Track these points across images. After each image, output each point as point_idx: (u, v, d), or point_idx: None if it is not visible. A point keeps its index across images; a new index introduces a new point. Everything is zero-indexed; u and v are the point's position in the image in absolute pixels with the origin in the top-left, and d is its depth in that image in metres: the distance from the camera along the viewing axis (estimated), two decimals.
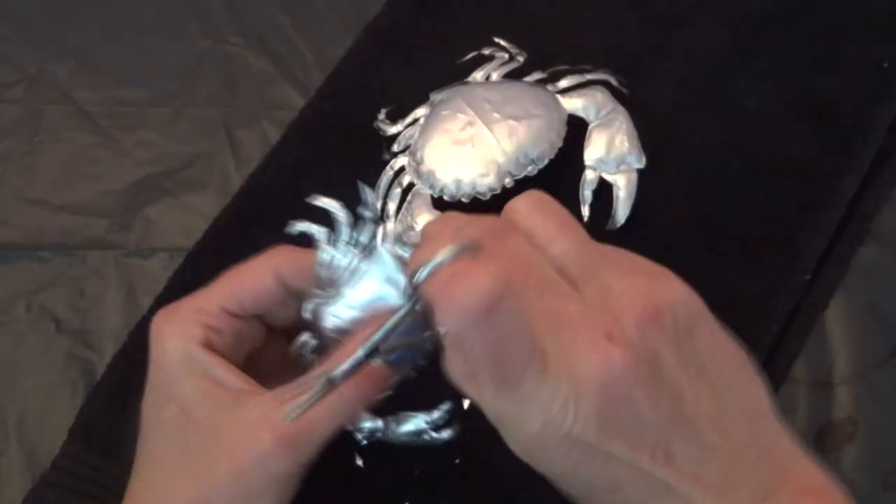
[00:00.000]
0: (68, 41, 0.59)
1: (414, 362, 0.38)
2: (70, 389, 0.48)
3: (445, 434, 0.40)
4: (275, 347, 0.39)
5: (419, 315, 0.31)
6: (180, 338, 0.36)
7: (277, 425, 0.33)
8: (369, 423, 0.40)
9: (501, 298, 0.28)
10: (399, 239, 0.37)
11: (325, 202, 0.38)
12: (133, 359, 0.48)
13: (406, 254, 0.36)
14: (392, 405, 0.40)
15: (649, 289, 0.30)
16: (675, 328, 0.29)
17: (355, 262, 0.37)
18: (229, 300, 0.37)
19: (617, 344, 0.28)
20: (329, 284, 0.37)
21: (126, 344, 0.48)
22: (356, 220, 0.38)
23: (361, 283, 0.36)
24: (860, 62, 0.53)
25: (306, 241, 0.38)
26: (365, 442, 0.40)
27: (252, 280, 0.38)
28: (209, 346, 0.36)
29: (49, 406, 0.48)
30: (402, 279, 0.35)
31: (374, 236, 0.37)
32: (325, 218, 0.39)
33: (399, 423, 0.40)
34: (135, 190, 0.54)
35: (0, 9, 0.61)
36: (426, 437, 0.40)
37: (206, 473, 0.34)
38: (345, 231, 0.37)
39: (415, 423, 0.40)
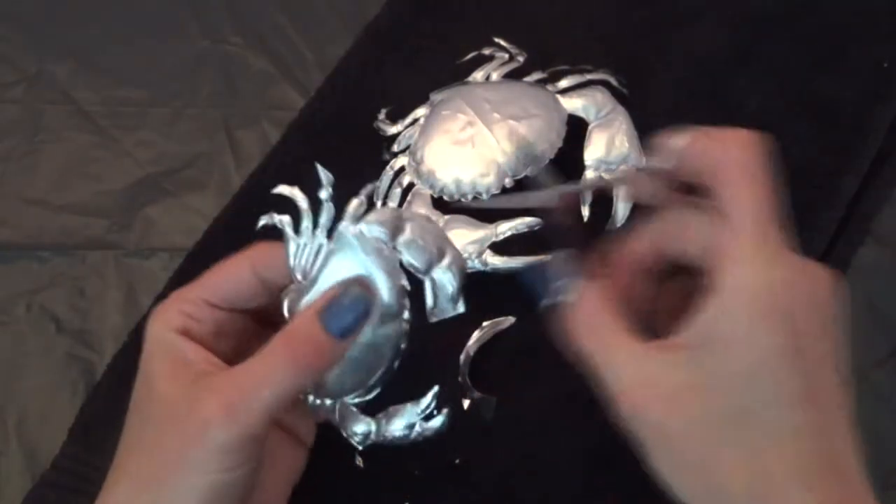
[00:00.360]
0: (68, 41, 0.59)
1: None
2: (70, 389, 0.48)
3: (437, 422, 0.39)
4: None
5: None
6: (161, 323, 0.37)
7: (220, 393, 0.33)
8: (362, 426, 0.39)
9: None
10: (358, 215, 0.37)
11: (284, 190, 0.38)
12: (133, 359, 0.47)
13: (367, 229, 0.36)
14: (383, 402, 0.39)
15: None
16: None
17: (322, 246, 0.37)
18: (209, 291, 0.38)
19: None
20: (303, 274, 0.37)
21: (126, 344, 0.48)
22: (317, 204, 0.38)
23: (329, 266, 0.37)
24: (860, 62, 0.53)
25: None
26: (361, 447, 0.40)
27: (230, 273, 0.39)
28: (186, 334, 0.37)
29: (49, 406, 0.48)
30: (367, 256, 0.36)
31: (334, 217, 0.37)
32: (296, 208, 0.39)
33: (389, 418, 0.40)
34: (135, 190, 0.54)
35: (0, 9, 0.61)
36: (418, 429, 0.40)
37: (157, 446, 0.34)
38: (306, 217, 0.38)
39: (405, 416, 0.40)
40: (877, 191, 0.50)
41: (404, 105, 0.53)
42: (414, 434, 0.40)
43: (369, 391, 0.39)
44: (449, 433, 0.41)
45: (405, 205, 0.49)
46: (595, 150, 0.49)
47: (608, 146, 0.49)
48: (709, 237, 0.33)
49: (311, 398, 0.39)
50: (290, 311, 0.37)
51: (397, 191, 0.50)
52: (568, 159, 0.49)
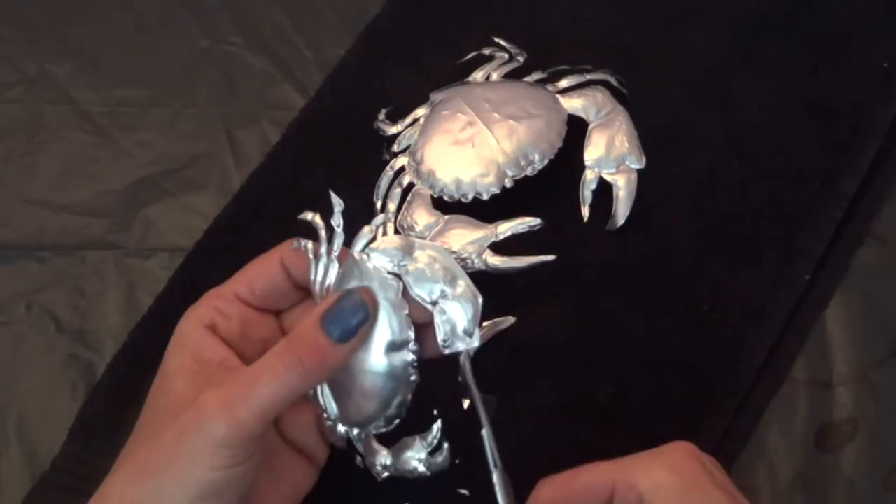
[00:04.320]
0: (68, 41, 0.59)
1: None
2: (70, 389, 0.48)
3: (440, 458, 0.40)
4: None
5: None
6: (192, 318, 0.38)
7: (220, 387, 0.34)
8: (381, 459, 0.40)
9: None
10: (366, 243, 0.37)
11: (307, 216, 0.39)
12: (133, 359, 0.48)
13: (373, 258, 0.37)
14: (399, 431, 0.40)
15: None
16: None
17: (332, 270, 0.38)
18: (241, 286, 0.39)
19: None
20: (321, 297, 0.38)
21: (126, 344, 0.48)
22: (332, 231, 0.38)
23: (340, 289, 0.37)
24: (860, 62, 0.53)
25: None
26: (379, 479, 0.40)
27: (261, 268, 0.39)
28: (213, 329, 0.38)
29: (49, 406, 0.48)
30: (370, 283, 0.37)
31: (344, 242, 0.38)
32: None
33: (402, 451, 0.40)
34: (135, 190, 0.54)
35: (0, 9, 0.61)
36: (425, 465, 0.40)
37: (156, 436, 0.35)
38: (324, 244, 0.38)
39: (415, 449, 0.40)
40: (877, 191, 0.50)
41: (404, 105, 0.53)
42: (422, 469, 0.40)
43: (389, 422, 0.39)
44: (449, 433, 0.41)
45: (405, 205, 0.49)
46: (595, 150, 0.49)
47: (608, 146, 0.49)
48: None
49: (339, 427, 0.40)
50: None
51: (397, 191, 0.50)
52: (568, 159, 0.49)
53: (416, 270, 0.37)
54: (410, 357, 0.38)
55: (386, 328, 0.37)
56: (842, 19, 0.54)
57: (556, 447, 0.45)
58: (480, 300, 0.38)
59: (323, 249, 0.38)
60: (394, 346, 0.37)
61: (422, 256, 0.37)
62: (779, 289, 0.47)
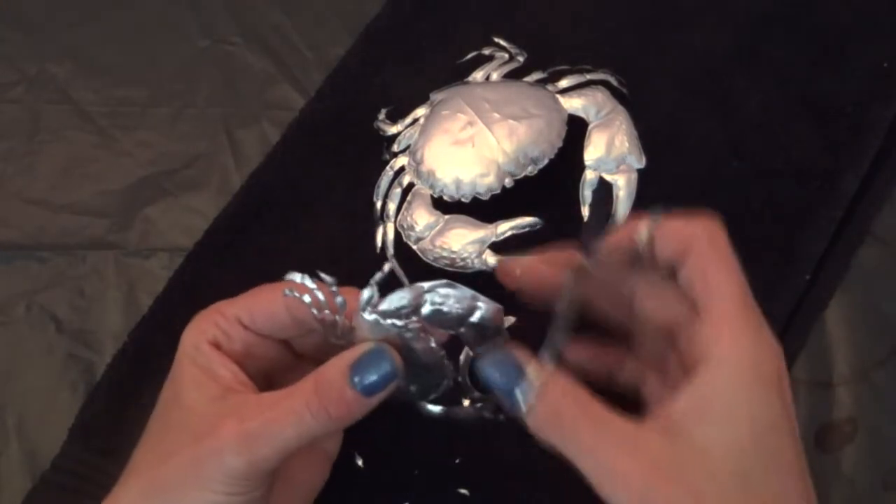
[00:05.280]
0: (68, 41, 0.59)
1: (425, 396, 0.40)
2: (70, 389, 0.48)
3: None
4: (303, 373, 0.39)
5: None
6: (196, 332, 0.38)
7: (242, 420, 0.34)
8: (433, 408, 0.41)
9: None
10: (372, 304, 0.36)
11: (296, 277, 0.37)
12: (133, 359, 0.48)
13: (382, 319, 0.36)
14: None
15: None
16: None
17: (340, 326, 0.38)
18: (243, 312, 0.38)
19: None
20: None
21: (126, 344, 0.48)
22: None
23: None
24: (860, 62, 0.53)
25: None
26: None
27: (263, 300, 0.38)
28: (217, 347, 0.37)
29: (49, 406, 0.48)
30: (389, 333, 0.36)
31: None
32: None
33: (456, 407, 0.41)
34: (135, 190, 0.54)
35: (0, 9, 0.61)
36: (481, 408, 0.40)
37: (172, 454, 0.35)
38: (324, 304, 0.37)
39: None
40: (877, 191, 0.50)
41: (404, 105, 0.53)
42: (479, 412, 0.41)
43: (436, 394, 0.40)
44: (449, 433, 0.41)
45: (405, 205, 0.49)
46: (595, 150, 0.49)
47: (608, 146, 0.49)
48: (680, 311, 0.35)
49: None
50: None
51: (397, 191, 0.50)
52: (568, 159, 0.49)
53: (431, 311, 0.36)
54: (448, 372, 0.39)
55: (419, 361, 0.38)
56: (842, 19, 0.54)
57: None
58: (498, 307, 0.37)
59: (326, 310, 0.37)
60: (428, 369, 0.38)
61: (432, 295, 0.37)
62: (779, 289, 0.47)
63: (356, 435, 0.41)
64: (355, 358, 0.35)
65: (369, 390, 0.35)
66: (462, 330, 0.37)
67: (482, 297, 0.37)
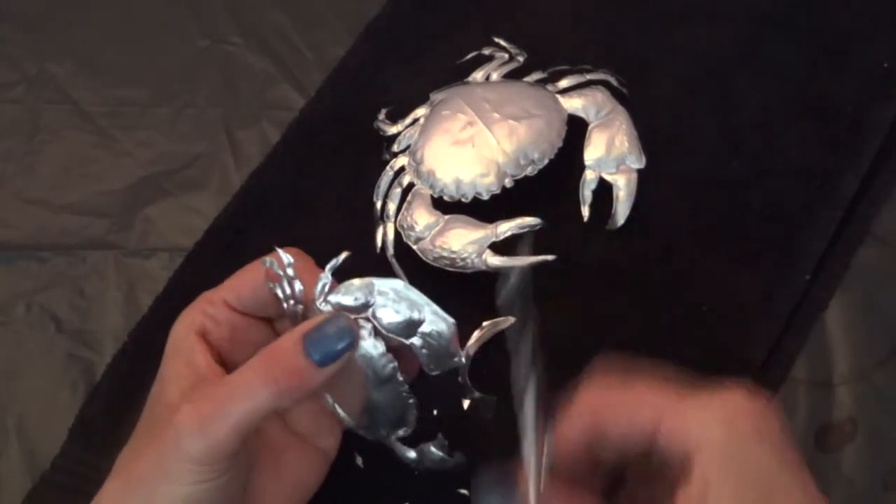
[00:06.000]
0: (68, 41, 0.59)
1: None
2: (70, 389, 0.48)
3: (460, 457, 0.41)
4: None
5: None
6: (184, 324, 0.38)
7: (195, 403, 0.33)
8: (411, 454, 0.41)
9: None
10: (325, 293, 0.37)
11: (268, 261, 0.38)
12: (133, 359, 0.48)
13: (336, 302, 0.37)
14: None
15: None
16: None
17: (299, 316, 0.38)
18: (230, 293, 0.38)
19: None
20: None
21: (126, 344, 0.48)
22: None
23: None
24: (860, 62, 0.53)
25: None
26: (416, 472, 0.41)
27: (247, 277, 0.39)
28: (204, 335, 0.37)
29: (49, 406, 0.48)
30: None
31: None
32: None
33: (423, 454, 0.41)
34: (135, 190, 0.54)
35: (0, 9, 0.61)
36: (449, 464, 0.41)
37: (145, 450, 0.35)
38: (287, 287, 0.38)
39: (433, 451, 0.41)
40: (877, 191, 0.50)
41: (404, 105, 0.53)
42: (450, 464, 0.41)
43: (406, 433, 0.40)
44: (449, 433, 0.41)
45: (405, 205, 0.49)
46: (595, 150, 0.49)
47: (608, 146, 0.49)
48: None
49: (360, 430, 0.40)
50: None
51: (397, 191, 0.50)
52: (568, 159, 0.49)
53: (382, 310, 0.37)
54: (402, 387, 0.38)
55: (372, 367, 0.38)
56: (842, 19, 0.54)
57: None
58: (452, 322, 0.38)
59: (290, 300, 0.38)
60: (382, 381, 0.38)
61: (384, 292, 0.37)
62: (779, 289, 0.47)
63: (356, 435, 0.41)
64: (310, 328, 0.35)
65: (323, 360, 0.34)
66: (414, 341, 0.37)
67: (441, 312, 0.37)
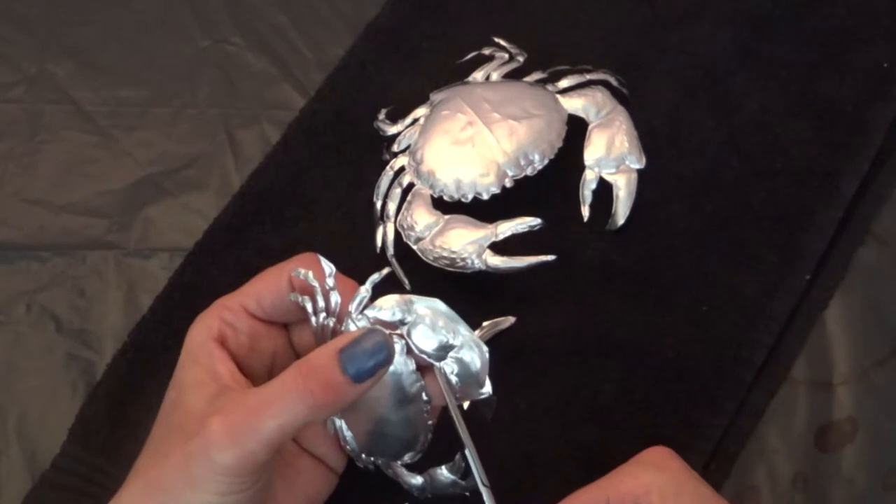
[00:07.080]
0: (68, 41, 0.59)
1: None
2: (70, 389, 0.48)
3: (471, 482, 0.40)
4: None
5: None
6: (201, 329, 0.37)
7: (228, 414, 0.33)
8: (416, 481, 0.40)
9: None
10: (363, 305, 0.37)
11: (301, 272, 0.38)
12: (133, 359, 0.48)
13: (370, 320, 0.37)
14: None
15: None
16: None
17: (330, 329, 0.38)
18: (248, 298, 0.38)
19: None
20: None
21: (126, 344, 0.48)
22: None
23: None
24: (860, 62, 0.53)
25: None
26: (420, 499, 0.41)
27: (268, 282, 0.39)
28: (223, 342, 0.37)
29: (49, 406, 0.48)
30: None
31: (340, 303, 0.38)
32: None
33: (435, 476, 0.40)
34: (135, 190, 0.54)
35: (0, 9, 0.61)
36: (461, 484, 0.40)
37: (167, 455, 0.34)
38: (320, 299, 0.38)
39: (447, 473, 0.40)
40: (877, 191, 0.50)
41: (404, 105, 0.53)
42: (458, 490, 0.40)
43: (412, 458, 0.40)
44: (449, 433, 0.41)
45: (405, 205, 0.49)
46: (595, 150, 0.49)
47: (608, 146, 0.49)
48: None
49: (362, 456, 0.40)
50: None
51: (397, 191, 0.50)
52: (568, 159, 0.49)
53: (418, 327, 0.36)
54: (425, 406, 0.38)
55: (398, 384, 0.37)
56: (842, 19, 0.54)
57: (556, 447, 0.45)
58: (486, 349, 0.37)
59: (321, 305, 0.37)
60: (407, 400, 0.38)
61: (422, 311, 0.37)
62: (779, 289, 0.47)
63: None
64: (346, 342, 0.35)
65: (359, 375, 0.34)
66: (444, 366, 0.37)
67: (476, 338, 0.37)
